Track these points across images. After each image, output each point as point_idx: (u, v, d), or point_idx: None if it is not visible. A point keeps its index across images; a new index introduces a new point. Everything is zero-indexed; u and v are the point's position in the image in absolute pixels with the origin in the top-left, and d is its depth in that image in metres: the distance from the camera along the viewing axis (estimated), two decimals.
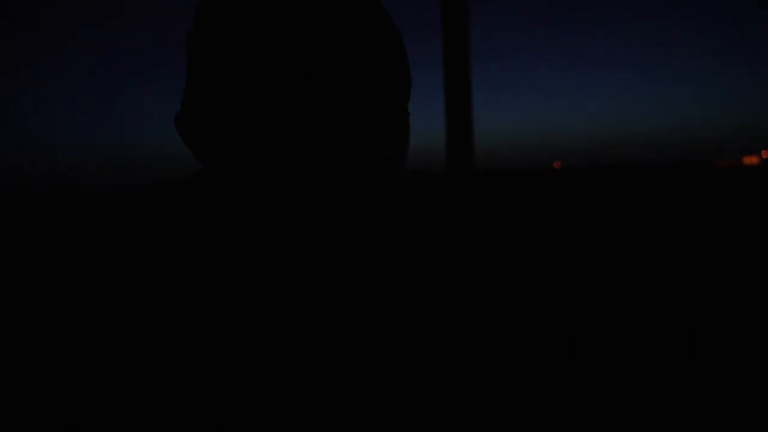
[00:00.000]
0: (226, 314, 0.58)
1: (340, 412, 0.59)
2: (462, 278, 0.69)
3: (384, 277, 0.65)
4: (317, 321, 0.60)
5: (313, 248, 0.60)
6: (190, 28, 0.62)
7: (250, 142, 0.57)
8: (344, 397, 0.59)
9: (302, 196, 0.57)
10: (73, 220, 0.67)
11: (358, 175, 0.57)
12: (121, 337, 0.56)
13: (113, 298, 0.58)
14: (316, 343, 0.59)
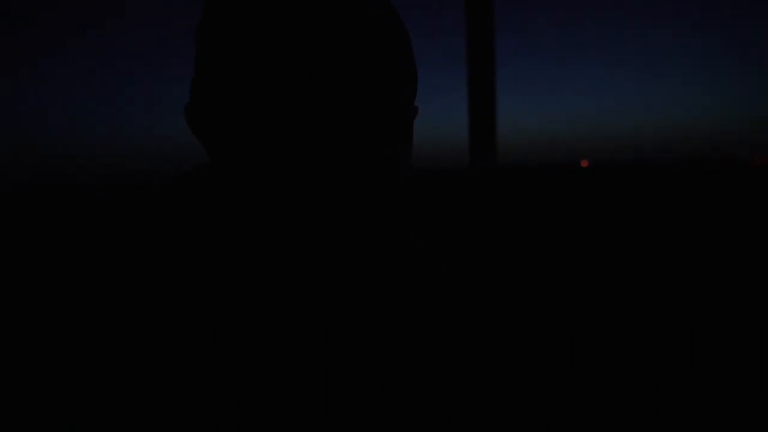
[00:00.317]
0: (226, 313, 0.59)
1: (340, 412, 0.59)
2: (475, 276, 0.69)
3: (384, 277, 0.65)
4: (317, 321, 0.60)
5: (313, 248, 0.60)
6: (200, 18, 0.62)
7: (249, 139, 0.58)
8: (344, 397, 0.59)
9: (302, 195, 0.57)
10: (72, 218, 0.67)
11: (358, 175, 0.58)
12: (121, 337, 0.57)
13: (113, 298, 0.58)
14: (316, 342, 0.60)
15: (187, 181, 0.67)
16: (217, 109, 0.60)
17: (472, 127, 2.29)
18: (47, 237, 0.66)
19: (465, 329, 0.65)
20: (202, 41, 0.61)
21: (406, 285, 0.65)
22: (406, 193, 0.65)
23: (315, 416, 0.58)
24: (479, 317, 0.66)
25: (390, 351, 0.62)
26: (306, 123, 0.56)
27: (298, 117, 0.56)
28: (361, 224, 0.60)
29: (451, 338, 0.64)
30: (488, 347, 0.65)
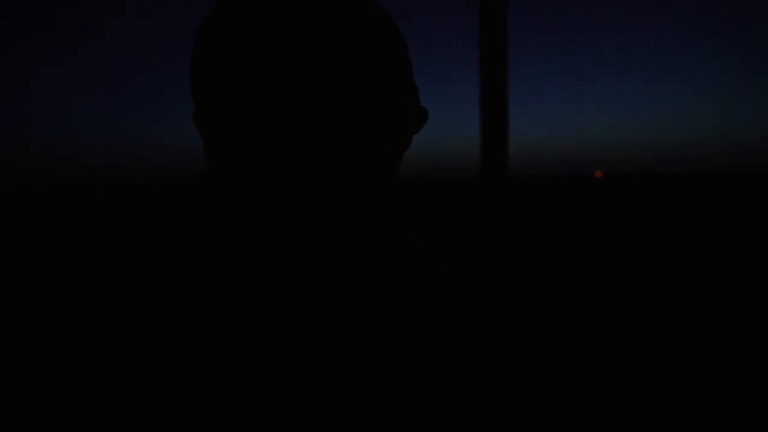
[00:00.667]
0: (226, 314, 0.59)
1: (340, 412, 0.59)
2: (475, 277, 0.69)
3: (384, 277, 0.64)
4: (317, 320, 0.60)
5: (313, 248, 0.60)
6: (200, 20, 0.62)
7: (249, 141, 0.58)
8: (344, 397, 0.59)
9: (302, 195, 0.57)
10: (75, 220, 0.67)
11: (358, 175, 0.58)
12: (121, 337, 0.57)
13: (113, 298, 0.58)
14: (316, 342, 0.59)
15: (189, 184, 0.67)
16: (218, 111, 0.60)
17: (484, 136, 2.28)
18: (47, 237, 0.66)
19: (465, 329, 0.65)
20: (202, 44, 0.61)
21: (405, 285, 0.65)
22: (406, 193, 0.65)
23: (315, 416, 0.58)
24: (479, 317, 0.66)
25: (390, 350, 0.61)
26: (306, 123, 0.56)
27: (298, 117, 0.56)
28: (360, 224, 0.61)
29: (450, 338, 0.64)
30: (488, 347, 0.64)
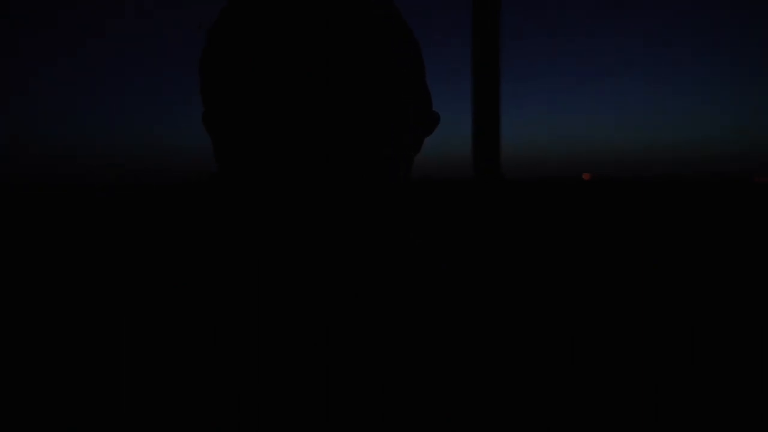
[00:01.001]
0: (226, 314, 0.59)
1: (340, 413, 0.58)
2: (475, 277, 0.69)
3: (384, 277, 0.65)
4: (317, 321, 0.60)
5: (313, 247, 0.60)
6: (200, 20, 0.63)
7: (250, 141, 0.58)
8: (344, 398, 0.59)
9: (302, 195, 0.57)
10: (75, 220, 0.67)
11: (358, 175, 0.58)
12: (121, 337, 0.56)
13: (113, 298, 0.58)
14: (316, 343, 0.59)
15: (199, 184, 0.67)
16: (226, 111, 0.60)
17: (476, 138, 2.29)
18: (47, 237, 0.66)
19: (465, 329, 0.65)
20: (212, 44, 0.62)
21: (405, 285, 0.65)
22: (406, 193, 0.65)
23: (315, 416, 0.58)
24: (479, 317, 0.66)
25: (390, 350, 0.61)
26: (306, 123, 0.56)
27: (298, 116, 0.57)
28: (361, 224, 0.61)
29: (450, 338, 0.64)
30: (488, 347, 0.64)
